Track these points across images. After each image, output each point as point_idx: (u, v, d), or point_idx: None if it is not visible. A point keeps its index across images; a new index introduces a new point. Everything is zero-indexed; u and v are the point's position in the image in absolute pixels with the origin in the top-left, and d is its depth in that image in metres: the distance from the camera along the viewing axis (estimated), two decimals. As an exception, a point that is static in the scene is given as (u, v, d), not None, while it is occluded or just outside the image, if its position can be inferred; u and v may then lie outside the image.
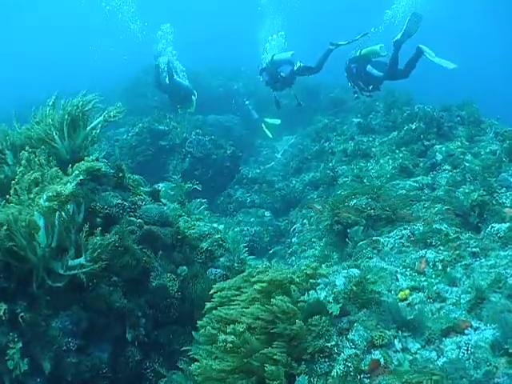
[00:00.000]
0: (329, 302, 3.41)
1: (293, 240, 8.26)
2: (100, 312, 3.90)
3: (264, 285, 3.11)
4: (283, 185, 10.77)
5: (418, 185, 6.98)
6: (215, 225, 7.57)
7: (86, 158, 4.41)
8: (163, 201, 5.88)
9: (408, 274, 5.17)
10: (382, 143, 9.36)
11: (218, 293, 3.41)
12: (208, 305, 3.46)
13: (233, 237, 5.50)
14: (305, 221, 8.51)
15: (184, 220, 5.24)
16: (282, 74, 10.82)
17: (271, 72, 11.13)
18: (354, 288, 3.55)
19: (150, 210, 4.72)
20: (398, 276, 5.11)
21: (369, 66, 9.35)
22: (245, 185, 10.90)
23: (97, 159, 4.09)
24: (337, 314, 3.37)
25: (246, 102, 15.47)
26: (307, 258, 7.33)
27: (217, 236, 5.26)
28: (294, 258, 7.71)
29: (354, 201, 6.35)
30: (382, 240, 5.71)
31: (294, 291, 3.31)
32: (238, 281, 3.49)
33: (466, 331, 3.84)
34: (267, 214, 9.57)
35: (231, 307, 3.12)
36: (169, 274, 4.23)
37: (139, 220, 4.40)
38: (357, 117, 12.50)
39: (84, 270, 3.40)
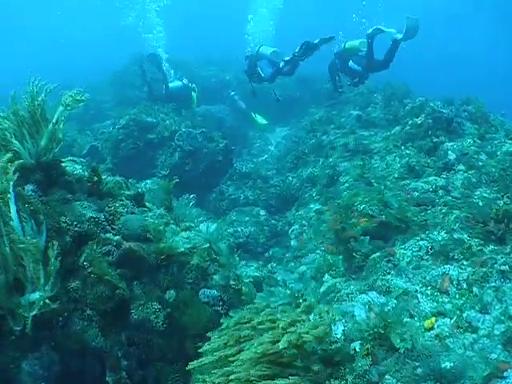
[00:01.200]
0: (355, 351, 2.67)
1: (291, 243, 7.50)
2: (74, 352, 3.17)
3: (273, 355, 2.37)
4: (278, 180, 9.99)
5: (430, 186, 6.25)
6: (204, 226, 6.86)
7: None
8: (148, 205, 5.09)
9: (429, 293, 4.50)
10: (384, 138, 8.60)
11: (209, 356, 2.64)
12: (193, 363, 2.71)
13: (226, 249, 4.75)
14: (304, 222, 7.74)
15: (172, 231, 4.46)
16: (258, 69, 10.33)
17: (251, 63, 10.49)
18: (381, 330, 2.82)
19: (130, 222, 3.93)
20: (419, 296, 4.43)
21: (351, 62, 9.27)
22: (238, 180, 10.08)
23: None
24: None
25: (232, 93, 14.59)
26: (308, 265, 6.60)
27: (207, 246, 4.48)
28: (293, 263, 6.96)
29: (363, 205, 5.62)
30: (397, 252, 5.00)
31: (310, 342, 2.56)
32: (235, 333, 2.72)
33: (505, 373, 3.30)
34: (262, 212, 8.78)
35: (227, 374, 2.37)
36: (153, 304, 3.47)
37: (117, 237, 3.62)
38: (355, 109, 11.77)
39: (33, 312, 2.63)
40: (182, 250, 4.00)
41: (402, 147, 7.77)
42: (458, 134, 7.58)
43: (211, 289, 4.18)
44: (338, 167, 8.18)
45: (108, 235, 3.54)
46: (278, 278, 6.60)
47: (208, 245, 4.35)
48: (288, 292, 3.95)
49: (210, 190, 9.85)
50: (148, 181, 9.27)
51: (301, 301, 3.70)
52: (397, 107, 10.15)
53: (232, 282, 4.34)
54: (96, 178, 4.15)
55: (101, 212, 3.96)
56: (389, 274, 4.73)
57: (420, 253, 4.86)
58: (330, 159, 8.70)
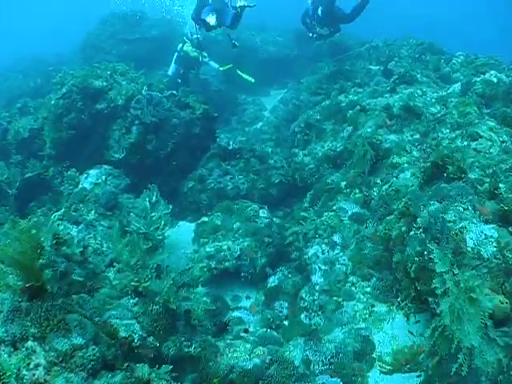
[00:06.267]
0: None
1: (314, 279, 4.00)
2: None
3: None
4: (281, 159, 6.46)
5: None
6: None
7: None
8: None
9: None
10: (439, 100, 4.97)
11: None
12: None
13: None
14: (333, 235, 4.21)
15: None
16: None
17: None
18: None
19: None
20: None
21: (320, 9, 8.44)
22: (224, 160, 6.48)
23: None
24: None
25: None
26: (346, 326, 3.21)
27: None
28: (319, 318, 3.55)
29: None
30: None
31: None
32: None
33: None
34: (263, 213, 5.28)
35: None
36: None
37: None
38: (372, 64, 8.19)
39: None
40: None
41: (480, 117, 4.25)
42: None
43: None
44: (381, 141, 4.62)
45: None
46: (294, 354, 3.21)
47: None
48: None
49: (184, 176, 6.32)
50: (91, 171, 5.73)
51: None
52: (435, 61, 6.66)
53: None
54: None
55: None
56: None
57: None
58: (368, 129, 5.06)
